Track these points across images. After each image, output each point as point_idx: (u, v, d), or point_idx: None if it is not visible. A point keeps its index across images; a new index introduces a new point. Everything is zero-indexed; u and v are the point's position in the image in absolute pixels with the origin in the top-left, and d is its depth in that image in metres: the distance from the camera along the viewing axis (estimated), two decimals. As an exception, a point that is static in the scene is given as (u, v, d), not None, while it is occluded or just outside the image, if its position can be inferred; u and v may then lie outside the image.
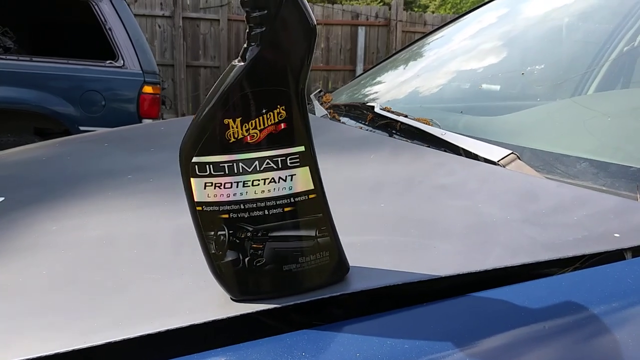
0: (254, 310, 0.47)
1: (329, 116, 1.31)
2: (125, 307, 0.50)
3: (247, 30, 0.43)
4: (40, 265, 0.61)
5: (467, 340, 0.44)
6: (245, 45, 0.44)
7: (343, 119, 1.26)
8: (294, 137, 0.45)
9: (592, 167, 0.76)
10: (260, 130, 0.44)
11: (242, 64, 0.43)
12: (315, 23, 0.44)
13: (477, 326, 0.46)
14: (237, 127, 0.44)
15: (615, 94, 1.13)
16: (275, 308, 0.47)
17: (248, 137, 0.44)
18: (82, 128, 3.75)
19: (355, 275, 0.51)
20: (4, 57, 3.74)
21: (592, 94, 1.15)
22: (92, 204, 0.80)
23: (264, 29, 0.42)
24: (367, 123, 1.18)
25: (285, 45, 0.43)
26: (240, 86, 0.43)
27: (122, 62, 3.87)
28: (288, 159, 0.45)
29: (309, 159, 0.46)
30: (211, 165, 0.44)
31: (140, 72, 3.88)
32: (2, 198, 0.85)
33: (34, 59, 3.83)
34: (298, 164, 0.46)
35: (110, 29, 3.86)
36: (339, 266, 0.50)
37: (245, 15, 0.43)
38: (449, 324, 0.46)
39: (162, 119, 4.60)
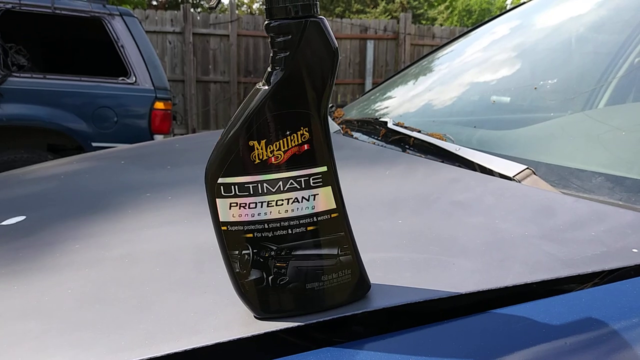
0: (277, 328, 0.48)
1: (342, 132, 1.32)
2: (151, 325, 0.50)
3: (272, 55, 0.44)
4: (65, 284, 0.62)
5: (489, 358, 0.45)
6: (269, 69, 0.45)
7: (356, 134, 1.27)
8: (317, 158, 0.46)
9: (607, 181, 0.77)
10: (284, 152, 0.45)
11: (267, 87, 0.44)
12: (337, 46, 0.45)
13: (498, 343, 0.46)
14: (261, 149, 0.45)
15: (627, 107, 1.13)
16: (298, 326, 0.48)
17: (272, 158, 0.45)
18: (94, 144, 3.80)
19: (376, 293, 0.51)
20: (17, 74, 3.80)
21: (605, 108, 1.15)
22: (112, 221, 0.81)
23: (287, 53, 0.44)
24: (380, 138, 1.18)
25: (308, 68, 0.44)
26: (264, 109, 0.44)
27: (134, 78, 3.92)
28: (311, 179, 0.46)
29: (331, 179, 0.47)
30: (236, 186, 0.45)
31: (152, 88, 3.93)
32: (24, 217, 0.86)
33: (47, 76, 3.89)
34: (320, 183, 0.47)
35: (122, 46, 3.92)
36: (361, 284, 0.51)
37: (269, 40, 0.44)
38: (470, 341, 0.47)
39: (173, 134, 4.64)
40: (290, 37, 0.43)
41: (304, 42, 0.43)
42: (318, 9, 0.44)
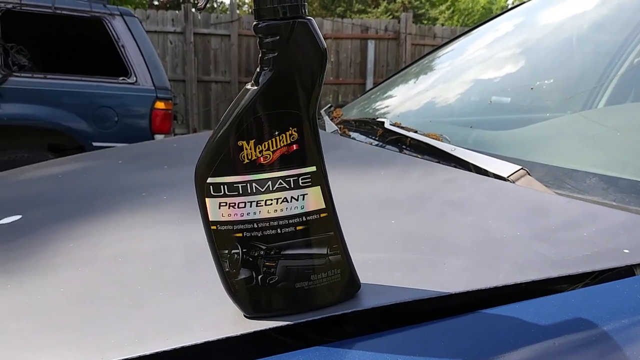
0: (266, 327, 0.48)
1: (339, 132, 1.32)
2: (141, 324, 0.51)
3: (260, 55, 0.45)
4: (58, 283, 0.62)
5: (478, 358, 0.45)
6: (257, 70, 0.45)
7: (353, 134, 1.27)
8: (306, 158, 0.46)
9: (601, 182, 0.77)
10: (273, 152, 0.45)
11: (255, 87, 0.45)
12: (326, 47, 0.46)
13: (488, 343, 0.46)
14: (250, 149, 0.45)
15: (624, 108, 1.13)
16: (287, 325, 0.48)
17: (261, 158, 0.45)
18: (95, 144, 3.80)
19: (366, 293, 0.52)
20: (18, 74, 3.81)
21: (601, 108, 1.15)
22: (107, 221, 0.81)
23: (276, 54, 0.44)
24: (377, 138, 1.19)
25: (296, 69, 0.45)
26: (253, 109, 0.44)
27: (134, 78, 3.93)
28: (300, 179, 0.47)
29: (320, 179, 0.47)
30: (225, 186, 0.46)
31: (153, 88, 3.94)
32: (20, 216, 0.86)
33: (47, 76, 3.89)
34: (310, 183, 0.47)
35: (123, 45, 3.92)
36: (351, 283, 0.51)
37: (258, 40, 0.44)
38: (459, 341, 0.47)
39: (174, 134, 4.64)
40: (278, 37, 0.43)
41: (292, 42, 0.44)
42: (306, 10, 0.44)
